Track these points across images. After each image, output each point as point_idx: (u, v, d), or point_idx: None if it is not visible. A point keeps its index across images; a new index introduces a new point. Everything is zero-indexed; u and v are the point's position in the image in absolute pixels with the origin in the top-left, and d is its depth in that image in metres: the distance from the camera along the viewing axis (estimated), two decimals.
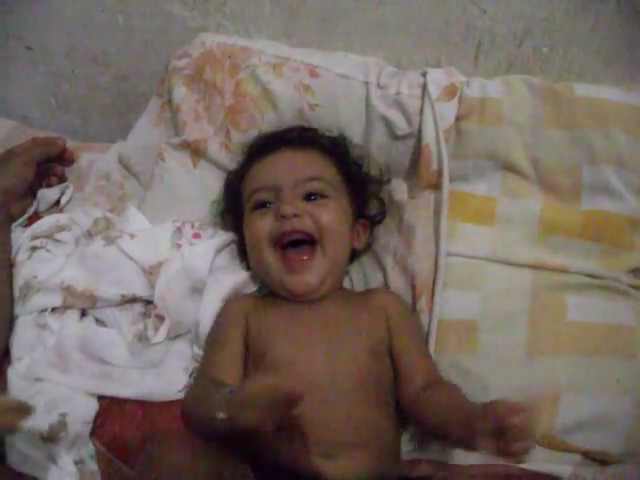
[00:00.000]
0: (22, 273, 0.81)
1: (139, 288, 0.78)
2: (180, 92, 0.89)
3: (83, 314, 0.80)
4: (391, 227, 0.83)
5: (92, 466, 0.70)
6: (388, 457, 0.66)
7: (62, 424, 0.70)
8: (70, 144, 0.98)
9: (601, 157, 0.76)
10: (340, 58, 0.87)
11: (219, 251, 0.82)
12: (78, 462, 0.70)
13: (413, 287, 0.77)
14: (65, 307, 0.79)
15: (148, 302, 0.79)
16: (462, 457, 0.71)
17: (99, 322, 0.80)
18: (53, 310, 0.79)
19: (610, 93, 0.79)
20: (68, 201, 0.94)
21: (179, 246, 0.81)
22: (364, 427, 0.65)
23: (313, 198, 0.76)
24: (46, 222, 0.87)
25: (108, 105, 1.13)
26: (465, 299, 0.76)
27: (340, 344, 0.69)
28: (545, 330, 0.74)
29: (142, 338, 0.77)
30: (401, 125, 0.82)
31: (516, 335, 0.74)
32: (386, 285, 0.80)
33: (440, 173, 0.79)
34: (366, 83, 0.84)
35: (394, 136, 0.83)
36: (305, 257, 0.74)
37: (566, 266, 0.77)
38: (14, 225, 0.88)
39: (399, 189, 0.84)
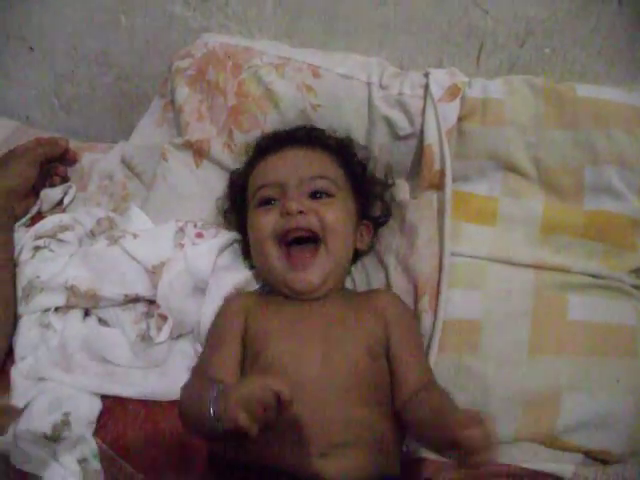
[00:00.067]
0: (25, 273, 0.81)
1: (142, 288, 0.79)
2: (183, 92, 0.89)
3: (86, 314, 0.81)
4: (393, 227, 0.83)
5: (95, 465, 0.70)
6: (386, 457, 0.66)
7: (65, 423, 0.70)
8: (72, 144, 0.99)
9: (603, 157, 0.77)
10: (342, 58, 0.87)
11: (222, 251, 0.82)
12: (81, 461, 0.70)
13: (415, 287, 0.77)
14: (68, 307, 0.79)
15: (151, 302, 0.79)
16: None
17: (102, 322, 0.80)
18: (56, 310, 0.79)
19: (612, 94, 0.79)
20: (71, 201, 0.95)
21: (182, 246, 0.81)
22: (360, 427, 0.65)
23: (318, 196, 0.76)
24: (49, 222, 0.87)
25: (110, 105, 1.13)
26: (467, 299, 0.76)
27: (337, 344, 0.69)
28: (547, 330, 0.74)
29: (145, 338, 0.77)
30: (403, 125, 0.82)
31: (518, 335, 0.74)
32: (388, 285, 0.81)
33: (442, 173, 0.80)
34: (368, 83, 0.84)
35: (396, 136, 0.83)
36: (308, 255, 0.74)
37: (568, 266, 0.77)
38: (17, 225, 0.88)
39: (401, 189, 0.84)
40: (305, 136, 0.82)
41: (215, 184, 0.89)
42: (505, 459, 0.71)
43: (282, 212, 0.74)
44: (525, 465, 0.70)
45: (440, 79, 0.82)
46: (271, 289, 0.80)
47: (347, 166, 0.81)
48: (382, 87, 0.83)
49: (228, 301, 0.77)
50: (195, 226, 0.84)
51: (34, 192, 0.92)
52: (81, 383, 0.74)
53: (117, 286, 0.78)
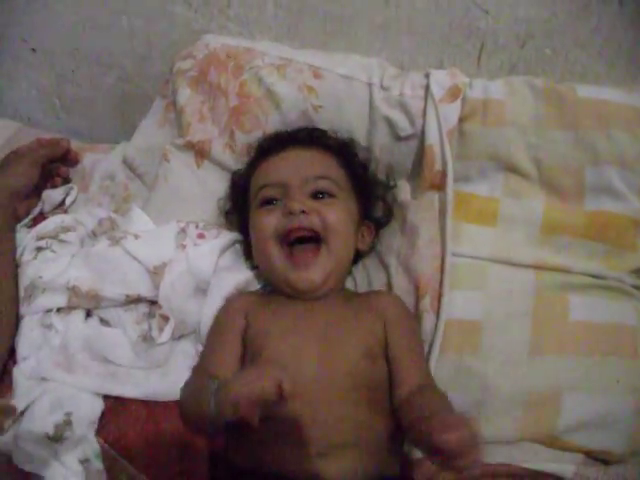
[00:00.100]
0: (27, 273, 0.81)
1: (144, 288, 0.79)
2: (185, 93, 0.90)
3: (88, 314, 0.81)
4: (394, 228, 0.83)
5: (97, 465, 0.70)
6: (385, 457, 0.66)
7: (67, 423, 0.70)
8: (74, 145, 0.99)
9: (604, 158, 0.77)
10: (343, 59, 0.88)
11: (223, 251, 0.82)
12: (83, 461, 0.70)
13: (416, 287, 0.77)
14: (70, 307, 0.79)
15: (152, 302, 0.79)
16: None
17: (104, 322, 0.80)
18: (58, 310, 0.79)
19: (612, 94, 0.79)
20: (72, 202, 0.95)
21: (183, 246, 0.81)
22: (359, 427, 0.65)
23: (320, 197, 0.76)
24: (51, 223, 0.87)
25: (112, 106, 1.14)
26: (468, 299, 0.76)
27: (337, 344, 0.70)
28: (548, 330, 0.74)
29: (147, 338, 0.77)
30: (404, 126, 0.83)
31: (519, 335, 0.74)
32: (389, 285, 0.81)
33: (444, 174, 0.80)
34: (369, 84, 0.84)
35: (397, 137, 0.83)
36: (310, 254, 0.74)
37: (569, 266, 0.77)
38: (19, 226, 0.89)
39: (402, 190, 0.84)
40: (307, 137, 0.82)
41: (216, 185, 0.89)
42: (506, 459, 0.72)
43: (284, 212, 0.74)
44: (526, 465, 0.71)
45: (441, 80, 0.82)
46: (272, 289, 0.80)
47: (349, 167, 0.82)
48: (383, 88, 0.84)
49: (229, 301, 0.78)
50: (197, 227, 0.84)
51: (36, 193, 0.92)
52: (83, 383, 0.74)
53: (119, 287, 0.78)
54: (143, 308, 0.80)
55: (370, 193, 0.83)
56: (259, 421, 0.53)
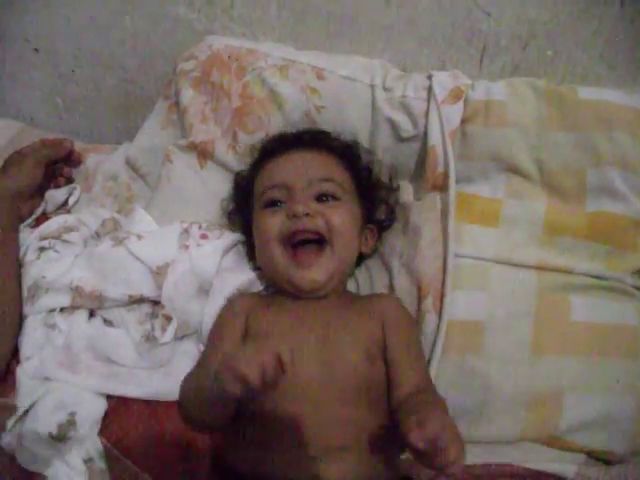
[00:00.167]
0: (31, 273, 0.81)
1: (147, 289, 0.79)
2: (187, 94, 0.90)
3: (91, 314, 0.81)
4: (397, 229, 0.84)
5: (101, 465, 0.70)
6: (384, 459, 0.66)
7: (71, 423, 0.70)
8: (77, 145, 0.99)
9: (605, 159, 0.77)
10: (346, 61, 0.88)
11: (226, 252, 0.82)
12: (87, 461, 0.70)
13: (419, 288, 0.77)
14: (73, 307, 0.79)
15: (155, 302, 0.80)
16: (466, 457, 0.71)
17: (107, 322, 0.80)
18: (62, 310, 0.79)
19: (613, 96, 0.79)
20: (75, 202, 0.95)
21: (186, 247, 0.81)
22: (359, 429, 0.65)
23: (324, 199, 0.76)
24: (54, 223, 0.87)
25: (115, 107, 1.14)
26: (471, 300, 0.76)
27: (336, 346, 0.70)
28: (550, 330, 0.75)
29: (150, 338, 0.77)
30: (407, 127, 0.83)
31: (521, 335, 0.74)
32: (391, 286, 0.81)
33: (446, 175, 0.80)
34: (372, 86, 0.84)
35: (400, 138, 0.84)
36: (314, 254, 0.74)
37: (571, 267, 0.77)
38: (22, 226, 0.88)
39: (405, 191, 0.84)
40: (311, 139, 0.82)
41: (219, 185, 0.89)
42: (507, 459, 0.72)
43: (289, 214, 0.74)
44: (528, 465, 0.71)
45: (443, 81, 0.82)
46: (274, 291, 0.81)
47: (353, 169, 0.82)
48: (385, 89, 0.84)
49: (230, 301, 0.78)
50: (199, 227, 0.84)
51: (39, 193, 0.92)
52: (86, 383, 0.74)
53: (122, 287, 0.79)
54: (146, 308, 0.80)
55: (374, 196, 0.83)
56: (258, 421, 0.54)
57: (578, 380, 0.73)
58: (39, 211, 0.92)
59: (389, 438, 0.67)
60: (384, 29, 0.90)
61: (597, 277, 0.78)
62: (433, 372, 0.73)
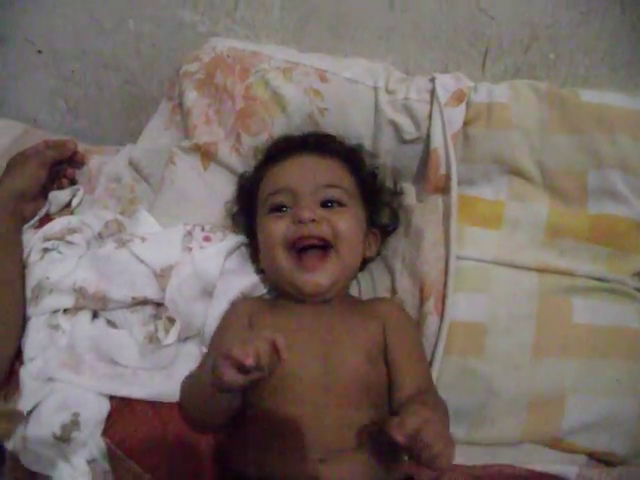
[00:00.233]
0: (34, 274, 0.81)
1: (150, 290, 0.79)
2: (191, 96, 0.90)
3: (95, 315, 0.81)
4: (399, 231, 0.84)
5: (104, 465, 0.71)
6: (385, 460, 0.66)
7: (75, 424, 0.70)
8: (80, 147, 0.99)
9: (607, 162, 0.77)
10: (349, 63, 0.88)
11: (229, 254, 0.82)
12: (90, 461, 0.71)
13: (421, 290, 0.78)
14: (77, 308, 0.79)
15: (159, 304, 0.80)
16: (467, 457, 0.71)
17: (110, 323, 0.80)
18: (65, 311, 0.79)
19: (615, 98, 0.79)
20: (79, 203, 0.95)
21: (190, 249, 0.81)
22: (359, 431, 0.65)
23: (330, 205, 0.76)
24: (57, 224, 0.88)
25: (118, 108, 1.14)
26: (472, 302, 0.76)
27: (338, 349, 0.70)
28: (551, 332, 0.75)
29: (153, 340, 0.77)
30: (409, 130, 0.83)
31: (523, 337, 0.75)
32: (393, 288, 0.81)
33: (448, 177, 0.80)
34: (375, 88, 0.84)
35: (402, 140, 0.84)
36: (318, 259, 0.74)
37: (573, 269, 0.78)
38: (25, 227, 0.88)
39: (407, 193, 0.85)
40: (317, 143, 0.82)
41: (223, 187, 0.89)
42: (509, 460, 0.72)
43: (294, 220, 0.74)
44: (529, 466, 0.71)
45: (446, 84, 0.83)
46: (277, 294, 0.81)
47: (358, 174, 0.82)
48: (388, 92, 0.84)
49: (233, 304, 0.78)
50: (203, 229, 0.84)
51: (42, 194, 0.92)
52: (90, 384, 0.74)
53: (125, 289, 0.79)
54: (149, 310, 0.80)
55: (378, 201, 0.83)
56: (260, 423, 0.54)
57: (580, 382, 0.73)
58: (42, 212, 0.92)
59: (390, 440, 0.67)
60: (387, 32, 0.90)
61: (599, 279, 0.78)
62: (435, 374, 0.73)
